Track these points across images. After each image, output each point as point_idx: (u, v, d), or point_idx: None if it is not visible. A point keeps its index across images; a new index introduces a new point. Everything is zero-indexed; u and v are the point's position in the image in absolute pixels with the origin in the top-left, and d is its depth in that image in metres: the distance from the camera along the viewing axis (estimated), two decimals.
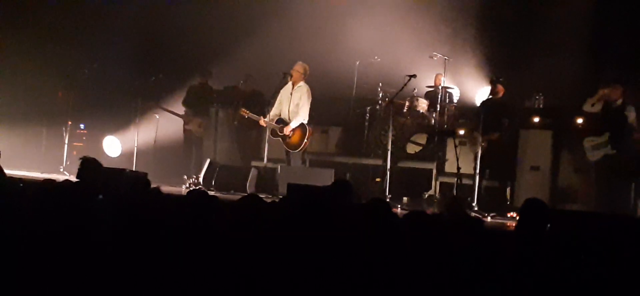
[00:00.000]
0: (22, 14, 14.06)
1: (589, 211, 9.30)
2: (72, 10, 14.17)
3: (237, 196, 8.00)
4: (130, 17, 13.92)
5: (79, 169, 6.79)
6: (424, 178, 11.82)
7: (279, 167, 11.17)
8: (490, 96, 10.92)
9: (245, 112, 11.39)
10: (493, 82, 10.89)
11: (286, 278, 4.52)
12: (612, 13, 11.94)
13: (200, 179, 11.37)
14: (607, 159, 9.89)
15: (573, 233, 5.33)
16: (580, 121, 10.94)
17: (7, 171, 7.34)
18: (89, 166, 6.79)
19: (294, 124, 10.91)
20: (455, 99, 12.47)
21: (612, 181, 9.93)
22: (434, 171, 11.73)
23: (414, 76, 11.10)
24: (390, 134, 11.00)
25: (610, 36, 11.93)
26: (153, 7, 13.85)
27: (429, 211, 9.72)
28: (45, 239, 4.66)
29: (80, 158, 6.92)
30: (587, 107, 10.08)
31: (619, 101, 9.96)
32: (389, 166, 10.77)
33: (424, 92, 12.45)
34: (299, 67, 11.04)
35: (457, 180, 10.31)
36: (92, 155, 7.11)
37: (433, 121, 12.09)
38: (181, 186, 11.40)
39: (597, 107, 10.03)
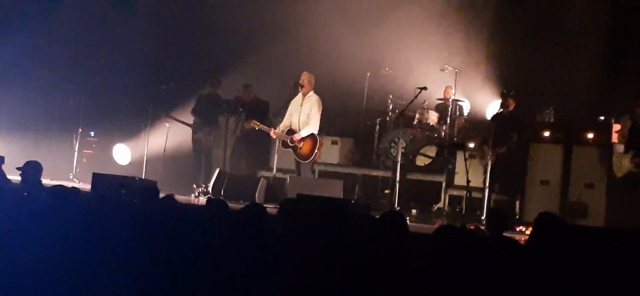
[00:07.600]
0: (34, 19, 14.09)
1: (601, 227, 9.22)
2: (84, 18, 14.20)
3: None
4: (142, 25, 13.95)
5: None
6: (433, 191, 11.79)
7: (288, 177, 11.16)
8: (501, 110, 10.89)
9: (256, 124, 11.38)
10: (504, 96, 10.85)
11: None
12: (627, 25, 11.87)
13: (210, 189, 11.34)
14: (631, 175, 9.71)
15: (585, 249, 5.30)
16: (591, 135, 10.89)
17: (15, 178, 7.35)
18: None
19: (304, 132, 10.87)
20: (466, 112, 12.42)
21: (628, 198, 9.75)
22: (444, 184, 11.69)
23: (425, 88, 11.10)
24: (400, 146, 11.00)
25: (625, 48, 11.86)
26: (165, 15, 13.88)
27: (437, 224, 9.68)
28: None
29: None
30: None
31: None
32: (398, 178, 10.75)
33: (435, 104, 12.42)
34: (305, 77, 11.02)
35: (466, 193, 10.27)
36: (102, 162, 7.10)
37: (443, 134, 12.05)
38: (190, 195, 11.38)
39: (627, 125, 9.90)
